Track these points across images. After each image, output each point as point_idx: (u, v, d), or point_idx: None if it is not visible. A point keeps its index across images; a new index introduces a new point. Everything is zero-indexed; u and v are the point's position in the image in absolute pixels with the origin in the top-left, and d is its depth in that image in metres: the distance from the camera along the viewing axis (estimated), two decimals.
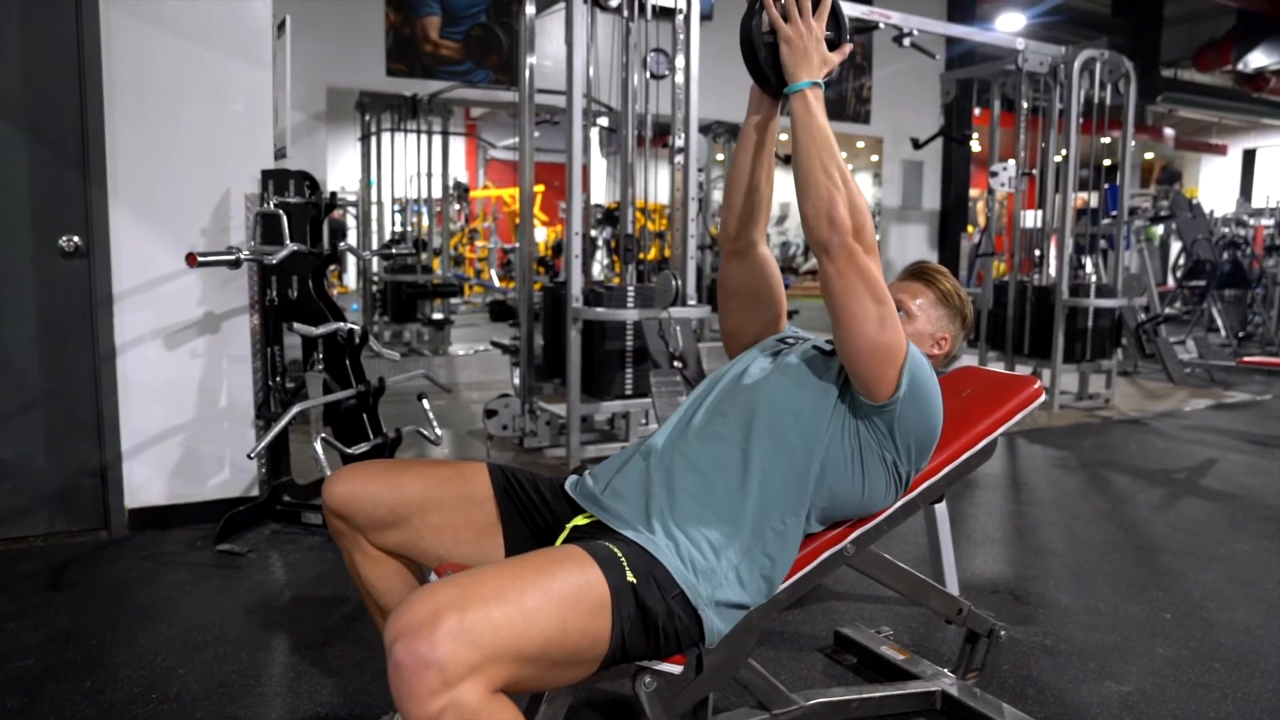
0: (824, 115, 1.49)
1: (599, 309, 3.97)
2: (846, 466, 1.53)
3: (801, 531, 1.52)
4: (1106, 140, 6.06)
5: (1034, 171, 5.99)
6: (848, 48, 1.59)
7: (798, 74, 1.51)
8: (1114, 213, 6.17)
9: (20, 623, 2.43)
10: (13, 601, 2.58)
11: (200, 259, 2.81)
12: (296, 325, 3.08)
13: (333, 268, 4.93)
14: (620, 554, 1.33)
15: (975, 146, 9.75)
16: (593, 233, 8.07)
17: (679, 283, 3.88)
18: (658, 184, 4.70)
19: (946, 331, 1.74)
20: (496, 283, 10.74)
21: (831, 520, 1.60)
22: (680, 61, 4.06)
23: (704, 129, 8.77)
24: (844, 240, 1.40)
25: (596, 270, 8.58)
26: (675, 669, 1.40)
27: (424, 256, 7.74)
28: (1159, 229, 11.39)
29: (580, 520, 1.51)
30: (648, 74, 4.14)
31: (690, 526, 1.42)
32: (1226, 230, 9.77)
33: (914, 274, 1.78)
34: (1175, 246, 10.71)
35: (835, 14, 1.58)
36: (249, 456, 2.95)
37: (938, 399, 1.55)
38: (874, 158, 9.12)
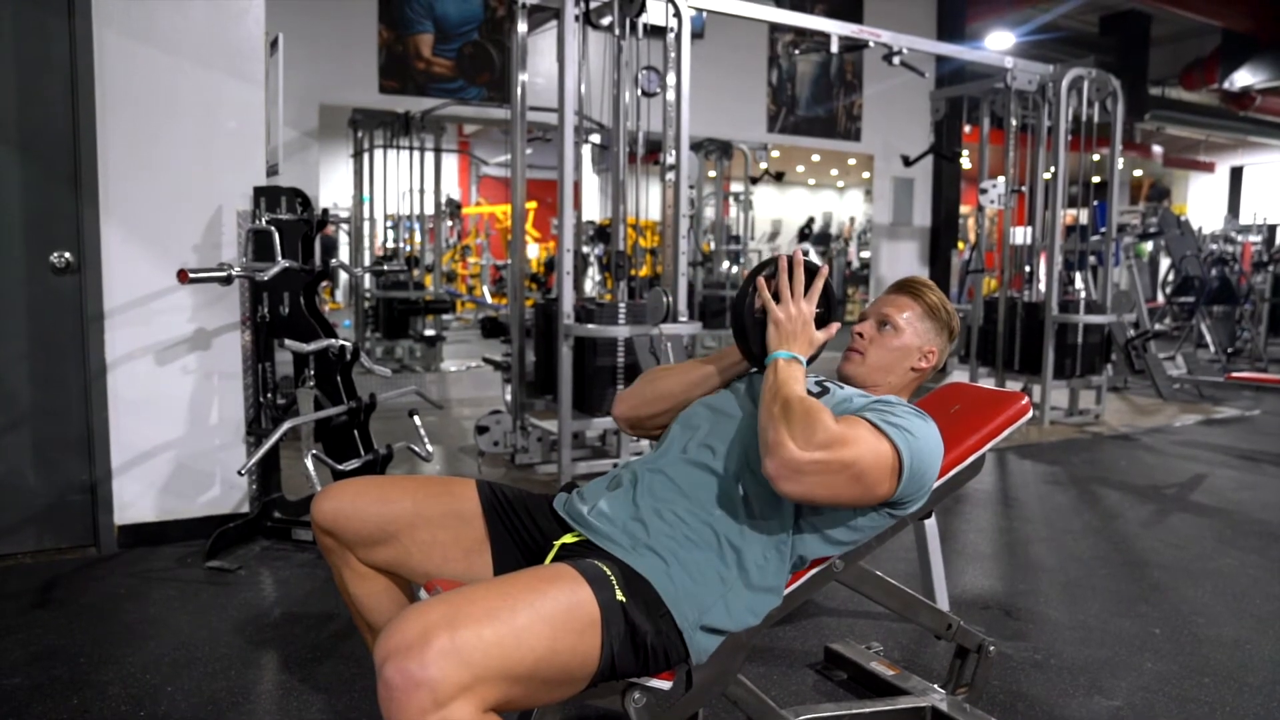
0: (792, 373, 1.48)
1: (591, 325, 3.98)
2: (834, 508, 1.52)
3: (788, 564, 1.51)
4: (1095, 157, 6.10)
5: (1023, 188, 6.03)
6: (835, 326, 1.64)
7: (779, 349, 1.54)
8: (1103, 229, 6.21)
9: (7, 641, 2.42)
10: None
11: (192, 275, 2.82)
12: (288, 342, 3.08)
13: (324, 284, 4.94)
14: (609, 572, 1.33)
15: (965, 163, 9.81)
16: (584, 249, 8.08)
17: (670, 299, 3.90)
18: (649, 201, 4.73)
19: (934, 345, 1.75)
20: (489, 299, 10.75)
21: (824, 549, 1.59)
22: (671, 79, 4.09)
23: (695, 146, 8.84)
24: (786, 456, 1.35)
25: (588, 287, 8.59)
26: (665, 685, 1.40)
27: (416, 273, 7.75)
28: (1148, 245, 11.47)
29: (568, 538, 1.51)
30: (639, 91, 4.17)
31: (678, 551, 1.42)
32: (1215, 247, 9.84)
33: (900, 288, 1.79)
34: (1164, 263, 10.77)
35: (827, 294, 1.63)
36: (239, 473, 2.95)
37: (936, 455, 1.51)
38: (865, 174, 9.16)
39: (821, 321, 1.62)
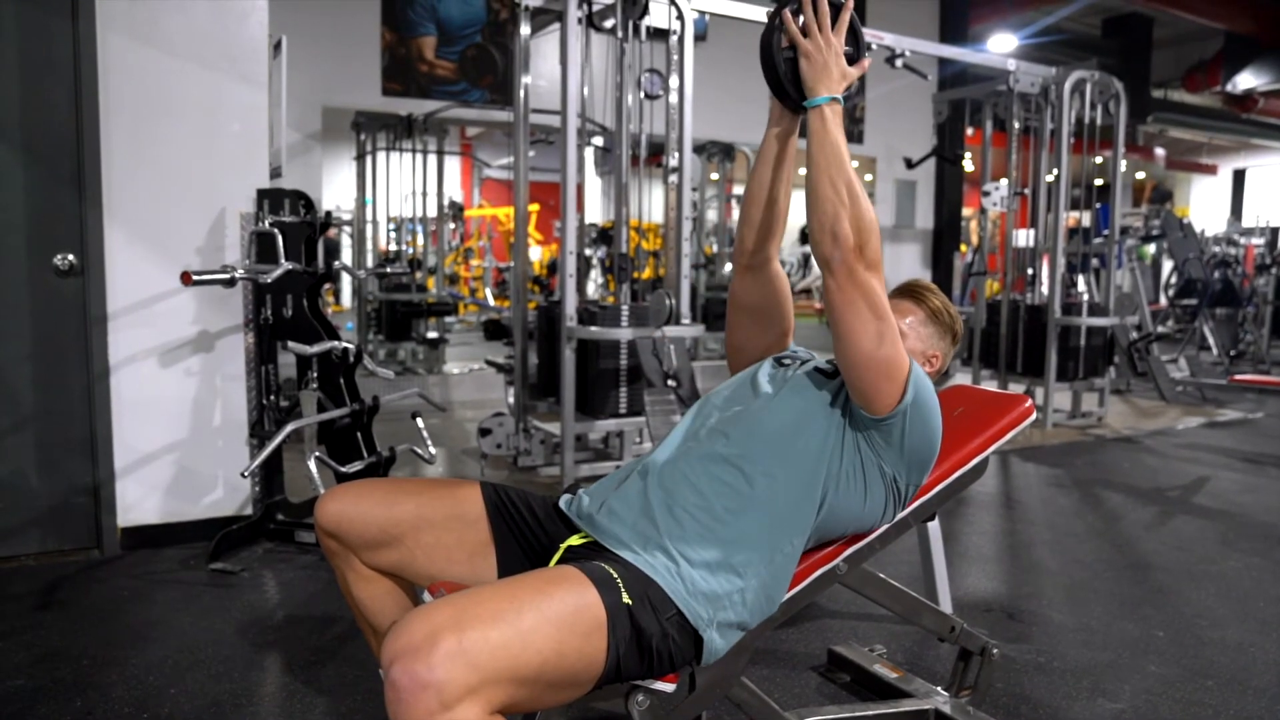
0: (839, 130, 1.51)
1: (593, 328, 3.98)
2: (849, 484, 1.53)
3: (799, 554, 1.52)
4: (1098, 160, 6.10)
5: (1026, 191, 6.03)
6: (866, 62, 1.62)
7: (816, 89, 1.53)
8: (1106, 232, 6.21)
9: (10, 642, 2.42)
10: (2, 621, 2.56)
11: (195, 277, 2.82)
12: (291, 344, 3.09)
13: (327, 286, 4.93)
14: (616, 575, 1.33)
15: (968, 166, 9.81)
16: (587, 252, 8.09)
17: (673, 302, 3.90)
18: (652, 203, 4.73)
19: (937, 349, 1.75)
20: (491, 301, 10.75)
21: (827, 538, 1.61)
22: (674, 82, 4.09)
23: (698, 149, 8.84)
24: (845, 256, 1.42)
25: (591, 289, 8.60)
26: (668, 688, 1.40)
27: (419, 275, 7.75)
28: (1151, 248, 11.47)
29: (575, 540, 1.50)
30: (642, 94, 4.17)
31: (691, 548, 1.41)
32: (1217, 249, 9.83)
33: (903, 292, 1.79)
34: (1167, 265, 10.77)
35: (853, 29, 1.62)
36: (243, 475, 2.95)
37: (938, 417, 1.56)
38: (868, 177, 9.14)
39: (850, 60, 1.59)
